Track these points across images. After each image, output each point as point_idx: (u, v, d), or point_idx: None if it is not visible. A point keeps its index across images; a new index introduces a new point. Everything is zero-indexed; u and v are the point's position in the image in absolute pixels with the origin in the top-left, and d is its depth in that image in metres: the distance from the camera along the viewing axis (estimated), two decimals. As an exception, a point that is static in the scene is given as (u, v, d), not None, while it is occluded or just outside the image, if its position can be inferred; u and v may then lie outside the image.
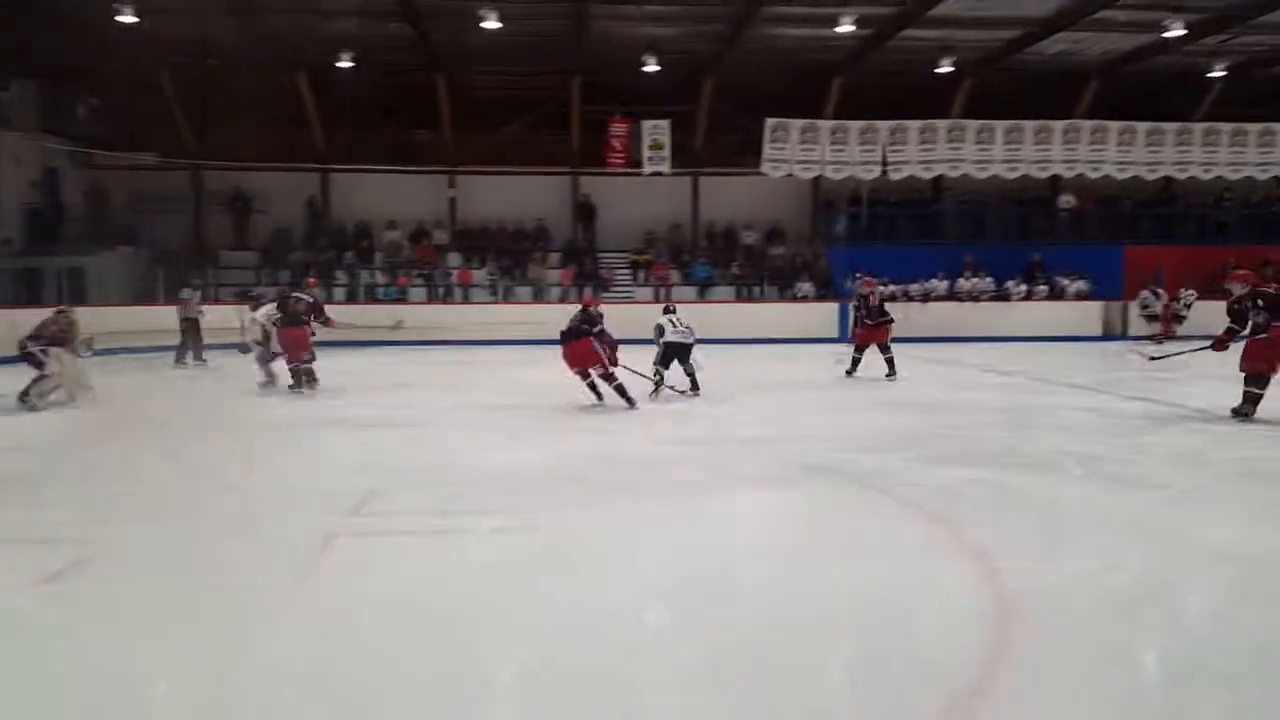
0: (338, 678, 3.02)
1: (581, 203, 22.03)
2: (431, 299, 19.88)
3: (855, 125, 19.74)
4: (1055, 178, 20.72)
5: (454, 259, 21.13)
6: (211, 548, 4.41)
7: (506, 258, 21.02)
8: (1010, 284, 20.18)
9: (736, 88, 20.40)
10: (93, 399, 9.44)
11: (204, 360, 14.17)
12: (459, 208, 21.89)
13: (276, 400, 9.96)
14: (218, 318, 14.52)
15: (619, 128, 20.32)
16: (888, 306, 12.01)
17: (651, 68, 19.00)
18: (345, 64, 18.70)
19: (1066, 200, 21.67)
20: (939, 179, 21.12)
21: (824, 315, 19.16)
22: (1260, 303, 7.88)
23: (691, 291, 20.45)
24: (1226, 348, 8.26)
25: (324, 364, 10.50)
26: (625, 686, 2.99)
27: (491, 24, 16.48)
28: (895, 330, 11.89)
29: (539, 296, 20.11)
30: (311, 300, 10.45)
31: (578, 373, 8.92)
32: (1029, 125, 19.86)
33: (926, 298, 19.78)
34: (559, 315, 14.44)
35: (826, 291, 20.47)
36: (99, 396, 9.50)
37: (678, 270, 21.07)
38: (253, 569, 4.10)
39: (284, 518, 4.86)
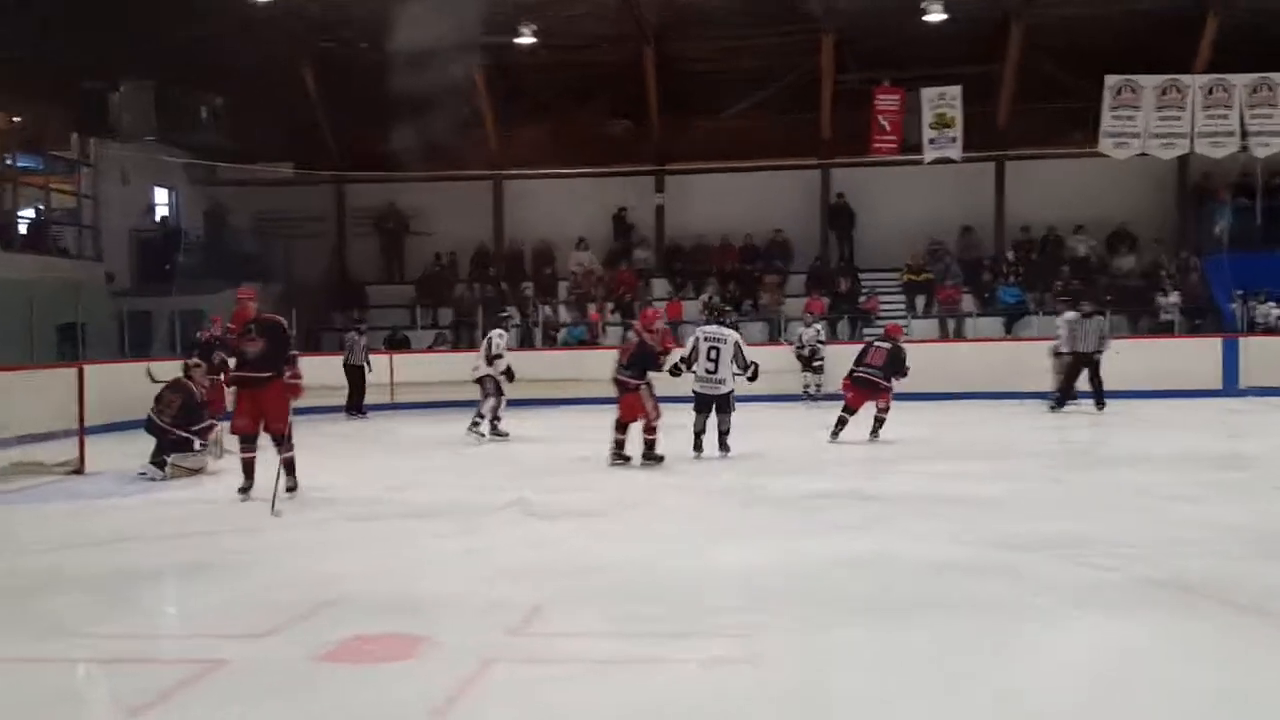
0: None
1: (835, 205, 21.94)
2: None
3: (1242, 80, 18.49)
4: None
5: (660, 287, 21.57)
6: (331, 672, 4.62)
7: (732, 283, 21.24)
8: None
9: (1058, 37, 19.71)
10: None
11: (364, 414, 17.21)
12: (668, 218, 22.45)
13: (434, 473, 10.55)
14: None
15: (888, 100, 20.13)
16: None
17: (935, 16, 18.75)
18: (526, 40, 19.77)
19: None
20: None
21: (1199, 354, 17.99)
22: None
23: (995, 324, 19.69)
24: None
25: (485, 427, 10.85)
26: None
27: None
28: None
29: (776, 334, 20.07)
30: None
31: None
32: None
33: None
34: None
35: (1203, 321, 19.02)
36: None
37: (973, 294, 20.38)
38: (383, 706, 4.24)
39: (431, 635, 5.02)
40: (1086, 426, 13.96)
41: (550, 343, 20.52)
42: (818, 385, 17.79)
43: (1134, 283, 20.21)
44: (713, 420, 11.21)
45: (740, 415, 11.54)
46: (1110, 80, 18.66)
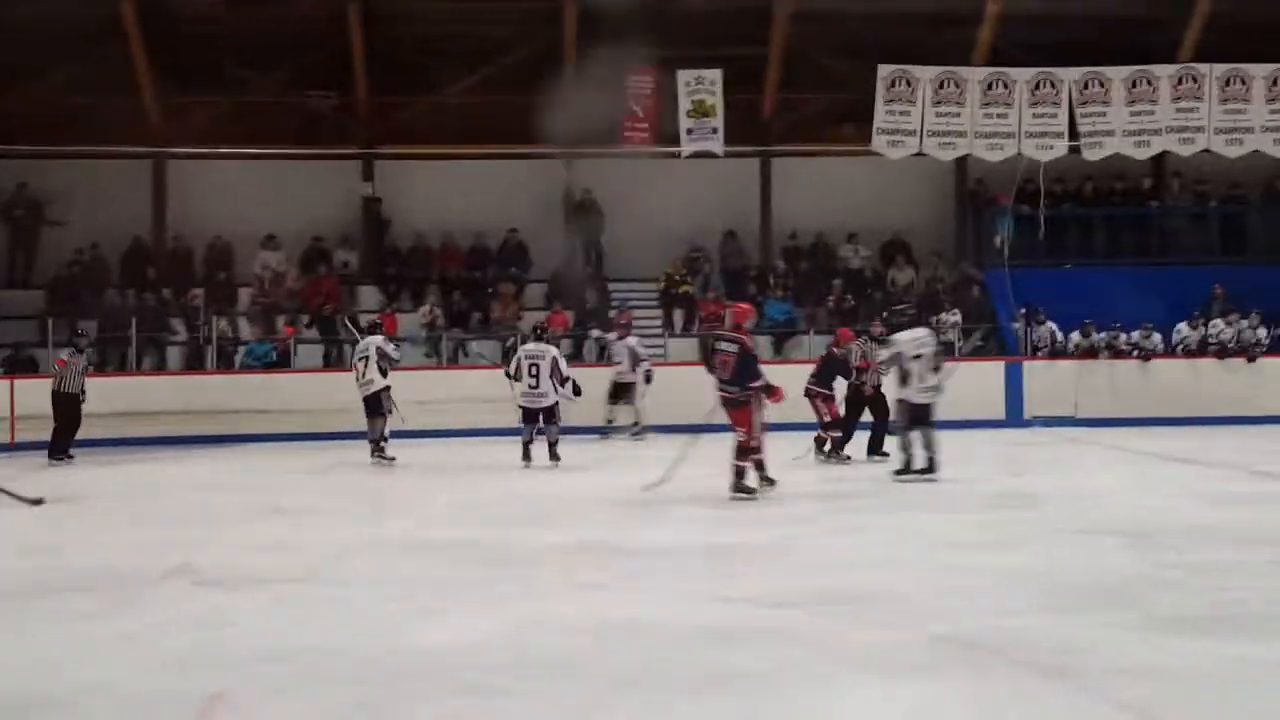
0: None
1: (581, 202, 22.24)
2: (330, 364, 19.92)
3: (1024, 75, 19.77)
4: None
5: (370, 296, 21.22)
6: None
7: (457, 293, 21.11)
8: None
9: (829, 20, 20.55)
10: None
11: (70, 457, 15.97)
12: (380, 213, 22.13)
13: (77, 531, 10.01)
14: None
15: (641, 82, 20.48)
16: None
17: (693, -14, 19.29)
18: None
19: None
20: (1161, 159, 21.12)
21: (980, 379, 18.91)
22: None
23: (763, 342, 20.32)
24: None
25: (146, 471, 10.44)
26: None
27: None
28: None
29: (510, 356, 20.02)
30: None
31: None
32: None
33: (1149, 353, 19.50)
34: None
35: (985, 344, 20.25)
36: None
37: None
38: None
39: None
40: (856, 464, 14.59)
41: (227, 364, 19.78)
42: None
43: (909, 297, 21.23)
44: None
45: (470, 452, 11.87)
46: (884, 70, 19.58)
